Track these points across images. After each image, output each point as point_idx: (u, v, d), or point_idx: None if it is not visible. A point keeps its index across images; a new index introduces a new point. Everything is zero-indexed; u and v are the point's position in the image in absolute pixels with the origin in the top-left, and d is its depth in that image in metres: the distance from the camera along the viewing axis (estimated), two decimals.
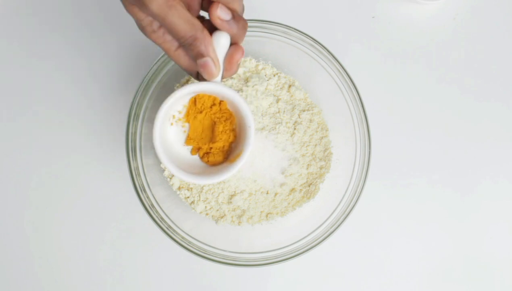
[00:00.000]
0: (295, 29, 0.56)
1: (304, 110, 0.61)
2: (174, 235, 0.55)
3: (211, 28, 0.41)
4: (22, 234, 0.62)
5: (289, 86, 0.61)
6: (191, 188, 0.59)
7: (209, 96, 0.45)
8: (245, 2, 0.65)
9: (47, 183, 0.63)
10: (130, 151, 0.55)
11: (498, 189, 0.64)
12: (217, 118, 0.46)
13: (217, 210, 0.59)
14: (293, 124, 0.60)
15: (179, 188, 0.59)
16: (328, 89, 0.59)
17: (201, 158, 0.47)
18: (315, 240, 0.56)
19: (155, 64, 0.56)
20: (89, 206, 0.63)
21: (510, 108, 0.65)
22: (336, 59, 0.55)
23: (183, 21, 0.38)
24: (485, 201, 0.63)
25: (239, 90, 0.59)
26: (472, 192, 0.64)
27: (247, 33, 0.57)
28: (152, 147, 0.58)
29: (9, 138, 0.63)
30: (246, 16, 0.66)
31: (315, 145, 0.61)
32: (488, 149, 0.64)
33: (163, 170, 0.58)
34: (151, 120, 0.58)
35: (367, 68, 0.65)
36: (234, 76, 0.59)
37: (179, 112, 0.46)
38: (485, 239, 0.63)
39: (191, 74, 0.43)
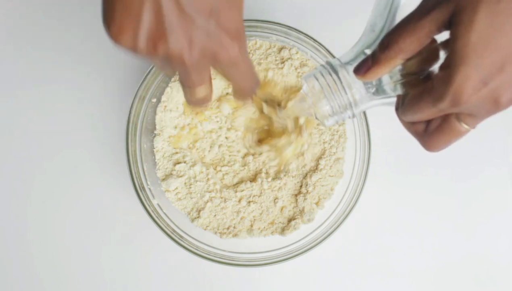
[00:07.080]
0: (295, 29, 0.56)
1: None
2: (174, 235, 0.55)
3: None
4: (23, 235, 0.62)
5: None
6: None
7: None
8: (246, 3, 0.65)
9: (49, 185, 0.62)
10: (131, 150, 0.55)
11: (499, 189, 0.64)
12: None
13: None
14: None
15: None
16: None
17: None
18: (315, 240, 0.55)
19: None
20: (90, 207, 0.62)
21: (510, 108, 0.65)
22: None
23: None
24: (486, 201, 0.63)
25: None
26: (472, 191, 0.64)
27: (249, 33, 0.57)
28: (151, 149, 0.58)
29: (10, 139, 0.63)
30: (248, 16, 0.66)
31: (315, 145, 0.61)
32: (489, 149, 0.64)
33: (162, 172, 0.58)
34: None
35: None
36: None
37: None
38: (485, 239, 0.63)
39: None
